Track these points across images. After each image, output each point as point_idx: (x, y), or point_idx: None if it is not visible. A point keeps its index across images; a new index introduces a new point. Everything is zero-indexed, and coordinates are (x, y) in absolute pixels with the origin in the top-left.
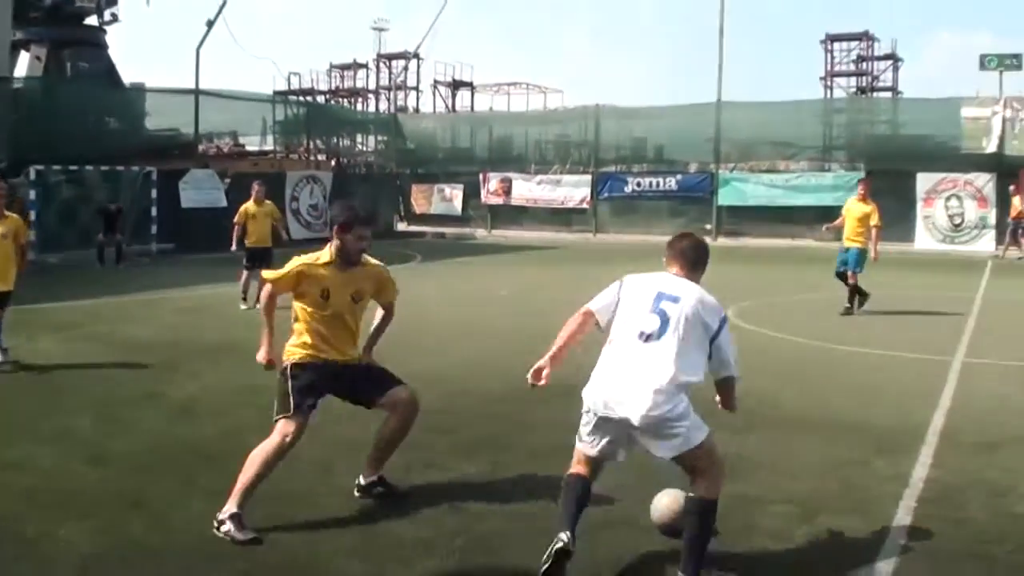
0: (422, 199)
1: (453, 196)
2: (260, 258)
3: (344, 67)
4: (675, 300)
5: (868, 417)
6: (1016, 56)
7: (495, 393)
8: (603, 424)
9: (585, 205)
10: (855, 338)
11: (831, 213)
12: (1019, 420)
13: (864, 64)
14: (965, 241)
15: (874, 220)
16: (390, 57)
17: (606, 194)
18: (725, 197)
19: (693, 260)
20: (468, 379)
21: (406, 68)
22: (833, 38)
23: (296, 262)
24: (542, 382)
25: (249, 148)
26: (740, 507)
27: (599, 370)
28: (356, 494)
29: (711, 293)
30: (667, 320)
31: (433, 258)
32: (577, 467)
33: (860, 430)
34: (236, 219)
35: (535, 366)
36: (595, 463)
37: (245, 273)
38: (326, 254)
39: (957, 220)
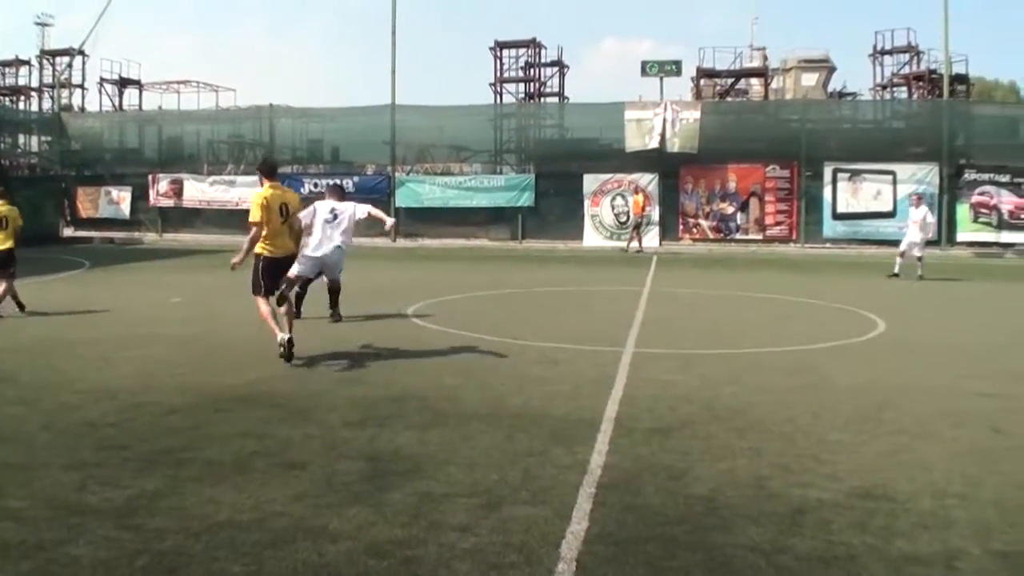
0: (88, 202)
1: (121, 199)
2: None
3: (5, 64)
4: (339, 209)
5: (545, 408)
6: (676, 63)
7: (170, 405)
8: (314, 260)
9: None
10: (531, 332)
11: (503, 213)
12: (687, 405)
13: (532, 70)
14: (640, 237)
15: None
16: (54, 53)
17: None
18: (402, 199)
19: (340, 193)
20: (141, 391)
21: (71, 65)
22: (502, 45)
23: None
24: None
25: None
26: (426, 504)
27: (314, 243)
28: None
29: (389, 295)
30: (337, 216)
31: (101, 264)
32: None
33: (538, 421)
34: None
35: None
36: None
37: (5, 283)
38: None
39: (623, 218)
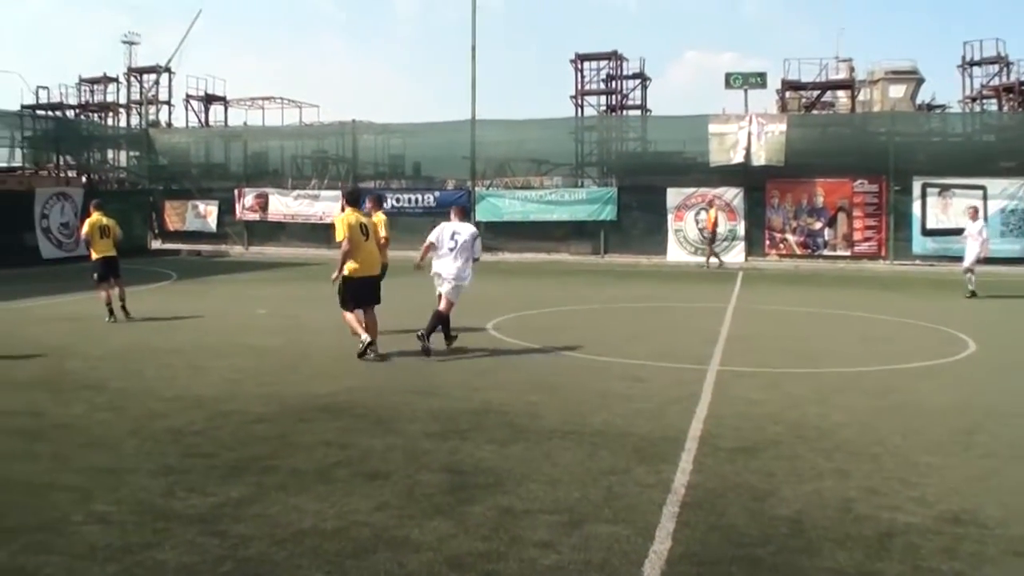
0: (175, 216)
1: (208, 212)
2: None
3: (94, 81)
4: (459, 232)
5: (628, 426)
6: (760, 75)
7: (256, 414)
8: (438, 278)
9: None
10: (613, 348)
11: (585, 227)
12: (773, 425)
13: (614, 83)
14: (716, 253)
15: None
16: (141, 71)
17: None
18: (482, 213)
19: (462, 214)
20: (227, 400)
21: (157, 82)
22: (583, 57)
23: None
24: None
25: None
26: (507, 518)
27: (439, 264)
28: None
29: (469, 309)
30: (457, 241)
31: (189, 276)
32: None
33: (621, 438)
34: (87, 231)
35: (416, 264)
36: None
37: (117, 288)
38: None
39: (707, 233)
